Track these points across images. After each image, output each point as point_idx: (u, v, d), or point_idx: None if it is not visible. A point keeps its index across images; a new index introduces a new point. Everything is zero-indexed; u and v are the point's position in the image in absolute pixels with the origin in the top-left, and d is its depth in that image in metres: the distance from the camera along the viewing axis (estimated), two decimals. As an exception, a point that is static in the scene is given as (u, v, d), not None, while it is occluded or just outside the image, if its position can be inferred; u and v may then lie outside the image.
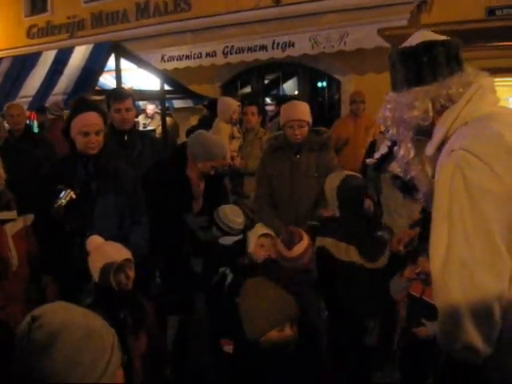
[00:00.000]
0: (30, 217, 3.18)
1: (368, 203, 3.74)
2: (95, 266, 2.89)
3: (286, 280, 2.55)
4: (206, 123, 8.38)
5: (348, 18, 8.93)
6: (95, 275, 2.92)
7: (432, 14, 8.67)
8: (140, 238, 3.53)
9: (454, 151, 1.75)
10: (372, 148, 4.62)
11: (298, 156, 4.23)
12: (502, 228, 1.65)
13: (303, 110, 4.25)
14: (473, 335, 1.66)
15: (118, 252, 2.95)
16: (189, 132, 8.85)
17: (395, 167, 2.23)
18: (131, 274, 2.97)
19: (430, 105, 1.94)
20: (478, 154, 1.68)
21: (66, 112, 9.76)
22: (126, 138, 4.51)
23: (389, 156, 2.25)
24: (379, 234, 3.63)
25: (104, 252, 2.93)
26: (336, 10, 9.16)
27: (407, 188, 2.31)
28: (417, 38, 2.05)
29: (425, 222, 3.59)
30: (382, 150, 2.26)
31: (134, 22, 12.40)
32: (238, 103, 6.04)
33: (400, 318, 3.40)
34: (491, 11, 8.10)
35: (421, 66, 1.97)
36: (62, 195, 3.22)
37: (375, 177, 4.52)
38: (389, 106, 2.06)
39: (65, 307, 1.64)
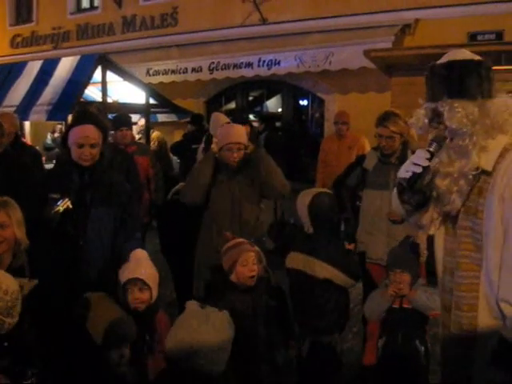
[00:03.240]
0: (32, 283, 2.81)
1: None
2: None
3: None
4: (191, 138, 8.44)
5: (334, 39, 9.06)
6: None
7: (415, 37, 8.86)
8: None
9: None
10: (358, 163, 4.65)
11: (234, 175, 4.22)
12: None
13: (241, 133, 4.24)
14: None
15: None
16: (174, 147, 8.89)
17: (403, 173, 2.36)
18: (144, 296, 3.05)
19: None
20: None
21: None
22: None
23: (420, 176, 2.31)
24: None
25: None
26: (322, 31, 9.34)
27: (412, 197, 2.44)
28: (467, 54, 2.33)
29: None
30: (415, 168, 2.28)
31: (119, 35, 12.49)
32: (227, 120, 6.09)
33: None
34: (473, 36, 8.30)
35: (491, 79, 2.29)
36: (59, 203, 3.26)
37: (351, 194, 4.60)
38: (463, 113, 2.23)
39: None
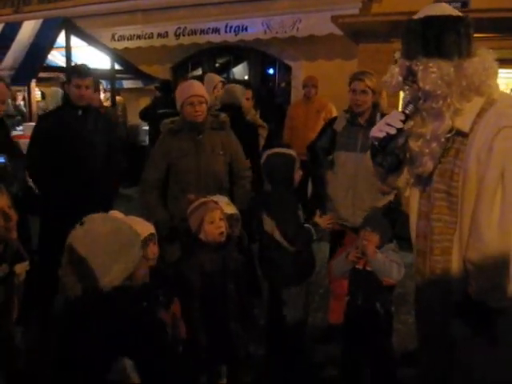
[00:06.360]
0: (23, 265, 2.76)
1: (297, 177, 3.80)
2: None
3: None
4: (159, 104, 8.39)
5: (301, 5, 9.01)
6: None
7: (383, 4, 8.85)
8: None
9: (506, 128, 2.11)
10: (329, 125, 4.65)
11: (200, 136, 4.12)
12: None
13: (201, 88, 4.17)
14: None
15: (142, 226, 2.87)
16: (143, 113, 8.81)
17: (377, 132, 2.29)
18: (155, 249, 2.96)
19: None
20: None
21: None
22: (80, 113, 4.60)
23: (394, 138, 2.21)
24: (306, 225, 3.67)
25: None
26: (290, -4, 9.27)
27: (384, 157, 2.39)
28: (446, 8, 2.23)
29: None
30: (389, 129, 2.19)
31: (83, -2, 12.16)
32: (221, 79, 6.08)
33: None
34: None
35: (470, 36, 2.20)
36: None
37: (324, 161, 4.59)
38: (438, 73, 2.15)
39: None
